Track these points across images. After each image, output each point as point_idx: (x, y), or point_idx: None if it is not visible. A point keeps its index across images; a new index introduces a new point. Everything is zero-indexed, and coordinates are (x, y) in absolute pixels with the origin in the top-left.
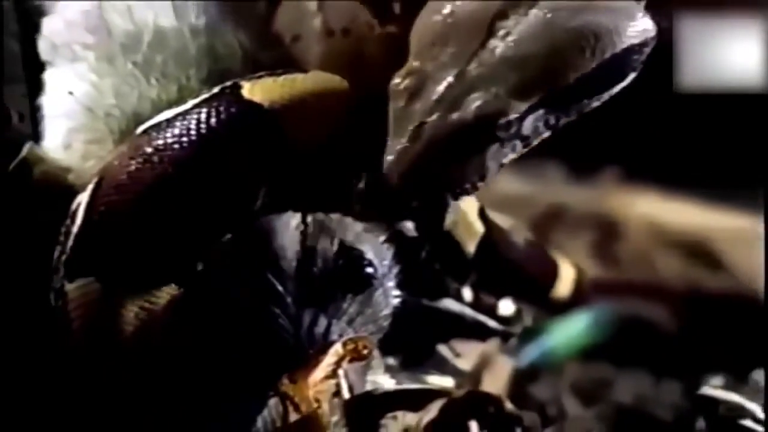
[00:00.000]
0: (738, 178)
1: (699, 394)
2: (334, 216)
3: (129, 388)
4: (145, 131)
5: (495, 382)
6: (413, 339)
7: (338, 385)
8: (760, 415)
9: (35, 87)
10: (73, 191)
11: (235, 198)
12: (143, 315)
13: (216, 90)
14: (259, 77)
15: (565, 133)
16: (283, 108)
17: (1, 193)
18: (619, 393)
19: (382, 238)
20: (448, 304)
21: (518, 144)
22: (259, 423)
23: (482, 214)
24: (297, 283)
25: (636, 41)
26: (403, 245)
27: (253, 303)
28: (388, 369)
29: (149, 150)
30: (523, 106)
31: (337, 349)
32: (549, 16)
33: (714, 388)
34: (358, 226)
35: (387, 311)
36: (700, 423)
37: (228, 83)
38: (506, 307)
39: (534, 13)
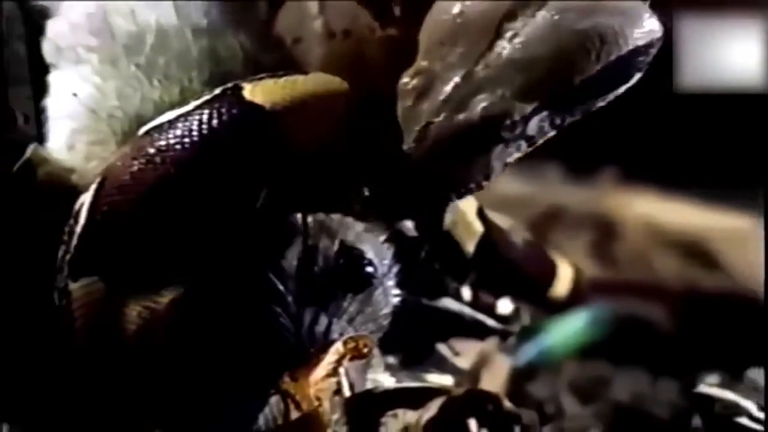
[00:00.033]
0: (738, 178)
1: (695, 393)
2: (335, 216)
3: (132, 387)
4: (147, 132)
5: (494, 381)
6: (413, 338)
7: (339, 384)
8: (756, 412)
9: (40, 89)
10: (77, 191)
11: (236, 198)
12: (146, 314)
13: (217, 91)
14: (261, 79)
15: (563, 133)
16: (284, 109)
17: (6, 194)
18: (616, 391)
19: (382, 237)
20: (448, 303)
21: (523, 144)
22: (261, 421)
23: (481, 214)
24: (298, 282)
25: (641, 43)
26: (402, 245)
27: (254, 302)
28: (389, 367)
29: (152, 151)
30: (529, 108)
31: (337, 347)
32: (556, 18)
33: (710, 387)
34: (359, 226)
35: (387, 310)
36: (697, 421)
37: (229, 85)
38: (505, 306)
39: (542, 14)
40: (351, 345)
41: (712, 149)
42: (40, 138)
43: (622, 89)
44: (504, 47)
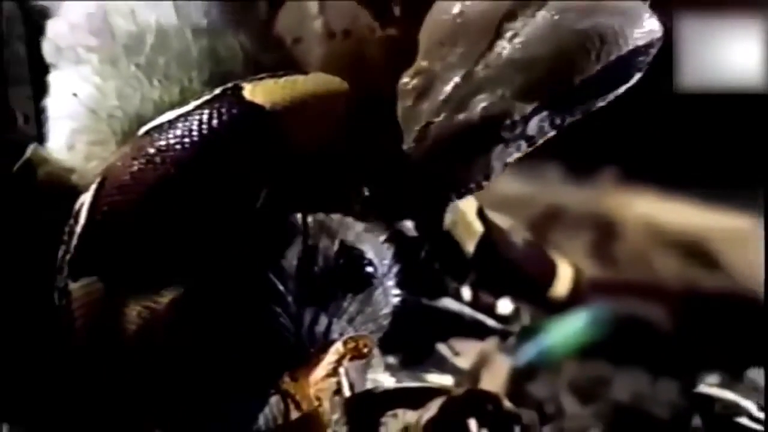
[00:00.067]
0: (738, 178)
1: (695, 392)
2: (335, 216)
3: (132, 387)
4: (147, 132)
5: (493, 381)
6: (413, 338)
7: (339, 384)
8: (755, 412)
9: (40, 89)
10: (77, 191)
11: (236, 198)
12: (146, 314)
13: (218, 91)
14: (261, 79)
15: (563, 133)
16: (284, 109)
17: (6, 194)
18: (616, 391)
19: (382, 237)
20: (448, 303)
21: (523, 144)
22: (261, 421)
23: (481, 214)
24: (298, 282)
25: (641, 43)
26: (402, 245)
27: (254, 302)
28: (389, 367)
29: (152, 151)
30: (528, 108)
31: (337, 347)
32: (556, 18)
33: (710, 387)
34: (359, 226)
35: (387, 310)
36: (697, 420)
37: (229, 85)
38: (505, 306)
39: (542, 14)
40: (351, 345)
41: (712, 149)
42: (40, 138)
43: (622, 89)
44: (504, 47)
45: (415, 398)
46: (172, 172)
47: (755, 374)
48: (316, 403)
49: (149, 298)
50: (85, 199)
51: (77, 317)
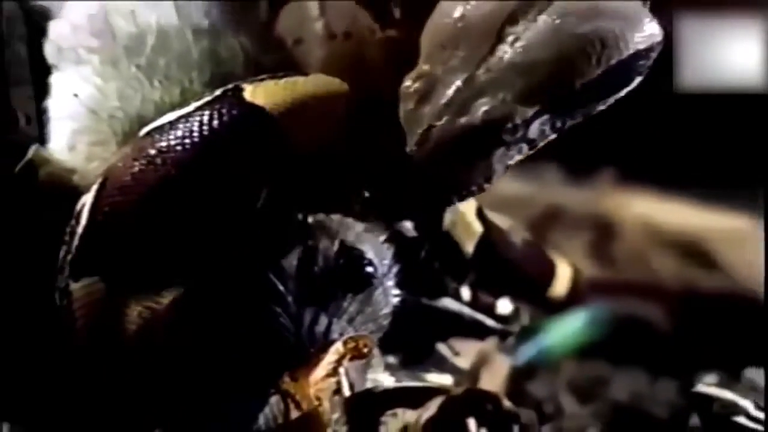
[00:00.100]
0: (738, 178)
1: (694, 392)
2: (335, 216)
3: (132, 387)
4: (148, 133)
5: (493, 380)
6: (413, 338)
7: (339, 383)
8: (754, 411)
9: (41, 90)
10: (78, 192)
11: (236, 199)
12: (146, 314)
13: (218, 93)
14: (261, 80)
15: (563, 134)
16: (285, 111)
17: (7, 194)
18: (615, 391)
19: (382, 238)
20: (447, 303)
21: (524, 147)
22: (261, 420)
23: (480, 215)
24: (298, 282)
25: (642, 46)
26: (402, 245)
27: (254, 302)
28: (388, 367)
29: (152, 152)
30: (530, 112)
31: (337, 347)
32: (557, 22)
33: (708, 386)
34: (359, 226)
35: (387, 310)
36: (695, 420)
37: (230, 86)
38: (504, 306)
39: (543, 19)
40: (351, 345)
41: (712, 149)
42: (42, 139)
43: (622, 93)
44: (505, 51)
45: (414, 398)
46: (172, 172)
47: (753, 374)
48: (316, 403)
49: (150, 299)
50: (87, 199)
51: (78, 317)
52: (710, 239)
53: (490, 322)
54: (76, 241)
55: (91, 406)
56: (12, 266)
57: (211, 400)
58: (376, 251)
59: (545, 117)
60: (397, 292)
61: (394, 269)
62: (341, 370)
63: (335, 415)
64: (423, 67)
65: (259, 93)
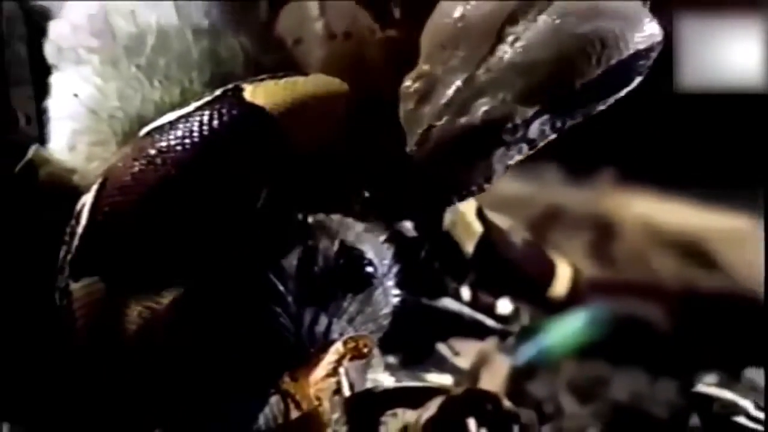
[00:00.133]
0: (738, 178)
1: (694, 392)
2: (335, 216)
3: (132, 387)
4: (148, 133)
5: (493, 380)
6: (413, 338)
7: (339, 383)
8: (754, 411)
9: (41, 90)
10: (78, 192)
11: (236, 199)
12: (146, 314)
13: (218, 93)
14: (261, 80)
15: (563, 134)
16: (285, 111)
17: (7, 194)
18: (615, 391)
19: (382, 238)
20: (447, 303)
21: (524, 147)
22: (261, 420)
23: (480, 215)
24: (298, 282)
25: (642, 47)
26: (402, 245)
27: (254, 302)
28: (388, 367)
29: (152, 152)
30: (530, 112)
31: (337, 347)
32: (557, 22)
33: (708, 386)
34: (359, 226)
35: (387, 310)
36: (695, 420)
37: (230, 86)
38: (504, 306)
39: (543, 19)
40: (351, 345)
41: (711, 149)
42: (42, 139)
43: (622, 93)
44: (505, 51)
45: (414, 398)
46: (172, 173)
47: (753, 374)
48: (316, 403)
49: (150, 299)
50: (87, 199)
51: (78, 317)
52: (710, 239)
53: (490, 322)
54: (76, 241)
55: (91, 406)
56: (12, 266)
57: (211, 400)
58: (376, 251)
59: (545, 117)
60: (397, 292)
61: (394, 269)
62: (341, 370)
63: (335, 415)
64: (423, 67)
65: (259, 93)
